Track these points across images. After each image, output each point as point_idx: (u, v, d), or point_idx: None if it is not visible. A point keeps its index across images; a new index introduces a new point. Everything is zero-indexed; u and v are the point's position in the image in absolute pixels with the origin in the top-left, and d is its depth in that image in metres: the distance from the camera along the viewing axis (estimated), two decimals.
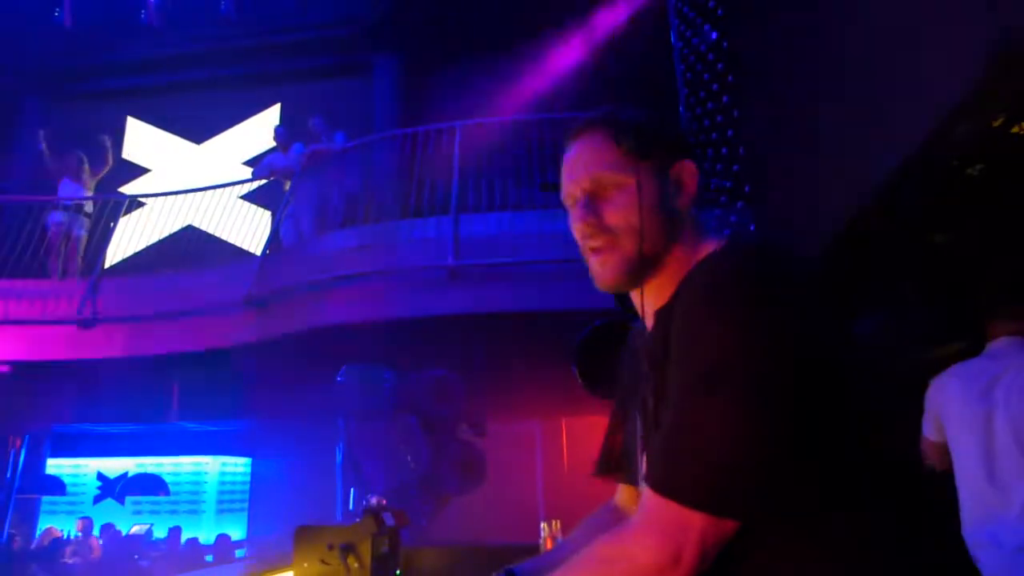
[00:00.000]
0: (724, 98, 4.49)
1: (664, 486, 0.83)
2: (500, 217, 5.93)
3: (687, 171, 1.04)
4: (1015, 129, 1.87)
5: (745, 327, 0.82)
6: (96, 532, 8.13)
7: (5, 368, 7.14)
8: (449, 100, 8.14)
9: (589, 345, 3.18)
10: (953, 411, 2.41)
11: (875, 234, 2.68)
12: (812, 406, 0.82)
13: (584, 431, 7.21)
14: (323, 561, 2.10)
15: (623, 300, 1.22)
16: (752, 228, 4.63)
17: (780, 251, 0.91)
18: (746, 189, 4.25)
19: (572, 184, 1.06)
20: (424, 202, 6.21)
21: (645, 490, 0.86)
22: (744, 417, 0.80)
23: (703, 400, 0.82)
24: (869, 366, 0.95)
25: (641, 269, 1.02)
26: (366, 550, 2.09)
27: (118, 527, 8.33)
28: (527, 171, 6.12)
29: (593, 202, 1.03)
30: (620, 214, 1.01)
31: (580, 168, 1.05)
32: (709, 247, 0.99)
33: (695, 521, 0.81)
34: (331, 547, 2.10)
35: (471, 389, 5.61)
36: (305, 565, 2.12)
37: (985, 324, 2.42)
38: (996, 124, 1.89)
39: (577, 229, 1.05)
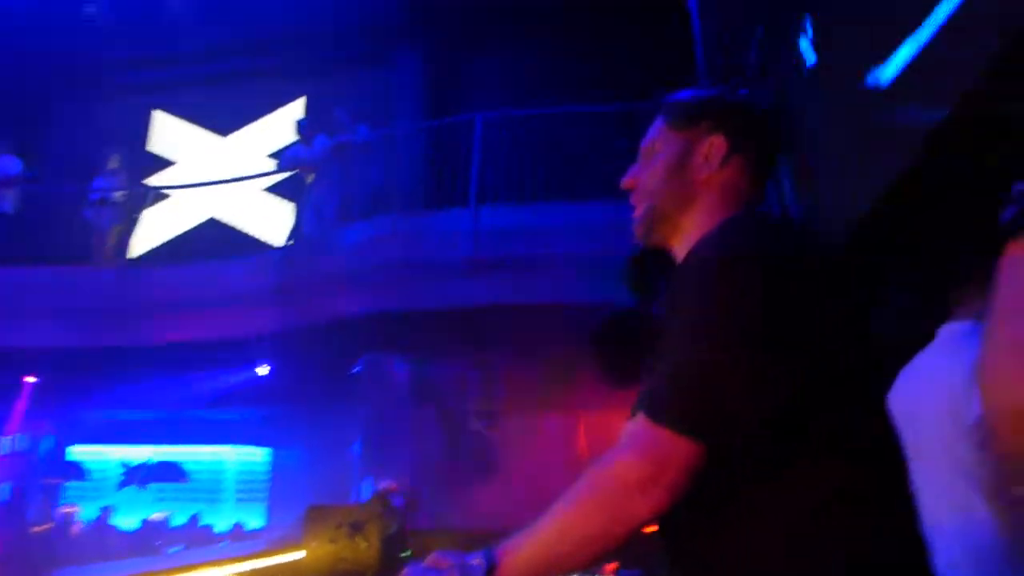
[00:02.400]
0: (743, 91, 4.45)
1: (653, 412, 0.91)
2: (521, 209, 5.93)
3: (714, 146, 1.14)
4: None
5: (731, 287, 0.94)
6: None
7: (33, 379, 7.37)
8: (472, 91, 8.15)
9: (606, 333, 3.17)
10: (892, 410, 2.24)
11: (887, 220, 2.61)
12: (787, 362, 0.91)
13: (601, 426, 7.18)
14: (332, 540, 2.11)
15: (641, 289, 1.34)
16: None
17: (774, 225, 1.06)
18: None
19: (640, 153, 1.23)
20: (445, 194, 6.23)
21: (636, 417, 0.93)
22: (721, 360, 0.90)
23: (690, 344, 0.93)
24: (885, 338, 0.99)
25: (656, 225, 1.17)
26: (374, 530, 2.09)
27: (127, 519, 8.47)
28: (547, 163, 6.11)
29: (641, 164, 1.21)
30: (646, 175, 1.19)
31: (644, 139, 1.23)
32: (724, 216, 1.08)
33: (679, 444, 0.89)
34: (340, 526, 2.11)
35: (489, 381, 5.62)
36: (315, 543, 2.13)
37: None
38: None
39: (624, 186, 1.23)
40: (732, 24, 4.83)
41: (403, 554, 2.11)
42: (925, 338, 2.15)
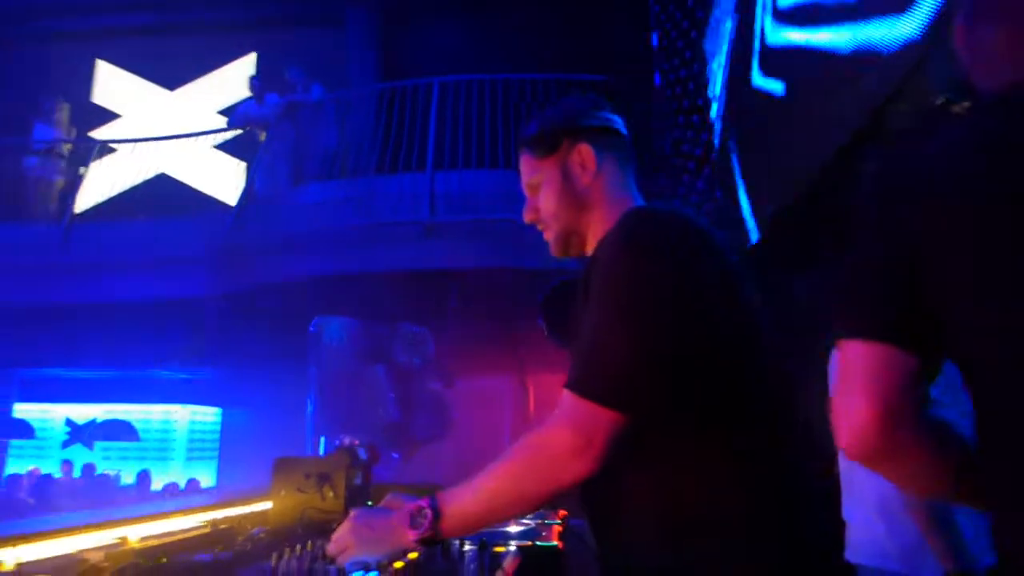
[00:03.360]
0: (695, 66, 4.60)
1: (577, 386, 1.04)
2: (476, 174, 6.01)
3: (583, 153, 1.28)
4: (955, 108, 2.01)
5: (626, 274, 1.08)
6: (77, 473, 8.26)
7: None
8: (428, 54, 8.11)
9: (554, 300, 3.34)
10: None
11: (822, 206, 2.82)
12: (686, 334, 1.05)
13: (550, 387, 7.42)
14: (300, 489, 2.24)
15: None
16: (719, 194, 4.79)
17: (663, 214, 1.17)
18: (712, 156, 4.39)
19: (525, 190, 1.37)
20: (401, 158, 6.26)
21: (563, 392, 1.06)
22: (630, 334, 1.04)
23: (604, 323, 1.06)
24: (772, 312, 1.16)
25: (568, 241, 1.31)
26: (340, 480, 2.24)
27: (96, 467, 8.47)
28: (503, 128, 6.19)
29: (531, 199, 1.34)
30: (543, 205, 1.31)
31: (522, 179, 1.36)
32: (622, 211, 1.21)
33: (602, 414, 1.01)
34: (308, 476, 2.24)
35: (442, 343, 5.75)
36: (283, 493, 2.26)
37: None
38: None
39: (527, 220, 1.35)
40: None
41: (367, 504, 2.26)
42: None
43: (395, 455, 5.10)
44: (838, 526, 2.14)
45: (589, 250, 1.30)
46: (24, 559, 1.26)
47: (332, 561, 1.31)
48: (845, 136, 2.66)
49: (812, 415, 1.16)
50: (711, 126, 4.38)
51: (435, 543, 1.12)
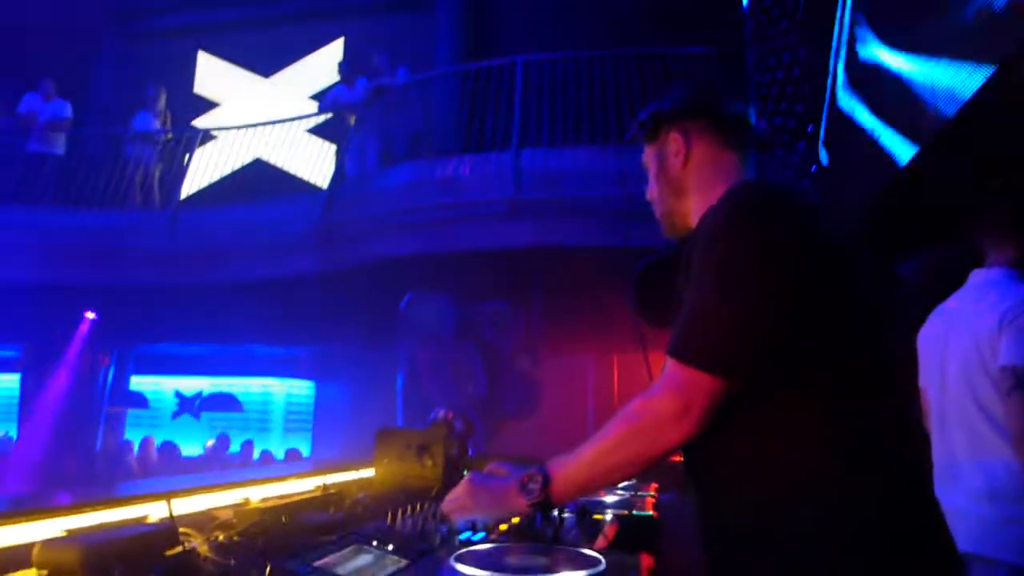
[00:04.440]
0: (792, 35, 4.44)
1: (679, 353, 1.08)
2: (561, 152, 6.01)
3: (675, 142, 1.34)
4: None
5: (729, 244, 1.10)
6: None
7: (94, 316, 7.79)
8: (514, 33, 8.14)
9: (644, 277, 3.34)
10: (921, 356, 2.26)
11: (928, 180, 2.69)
12: (787, 304, 1.06)
13: (635, 367, 7.39)
14: (400, 459, 2.35)
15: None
16: (813, 168, 4.63)
17: (769, 187, 1.18)
18: (809, 129, 4.25)
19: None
20: (486, 137, 6.32)
21: (666, 360, 1.11)
22: (732, 302, 1.07)
23: (706, 291, 1.10)
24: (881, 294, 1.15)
25: (672, 221, 1.38)
26: (439, 450, 2.33)
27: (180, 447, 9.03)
28: (588, 107, 6.15)
29: (650, 180, 1.42)
30: (649, 187, 1.41)
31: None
32: (718, 195, 1.22)
33: (704, 379, 1.05)
34: (408, 447, 2.34)
35: (528, 322, 5.82)
36: (385, 461, 2.38)
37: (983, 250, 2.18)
38: None
39: (648, 199, 1.43)
40: None
41: (463, 473, 2.34)
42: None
43: (483, 430, 5.22)
44: (934, 506, 2.08)
45: (693, 227, 1.33)
46: (175, 512, 1.39)
47: (443, 520, 1.38)
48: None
49: (907, 397, 1.15)
50: (807, 97, 4.24)
51: (546, 508, 1.17)
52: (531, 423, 6.36)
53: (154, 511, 1.46)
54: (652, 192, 1.40)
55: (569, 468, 1.15)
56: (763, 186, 1.20)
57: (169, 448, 8.37)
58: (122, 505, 1.45)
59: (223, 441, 8.87)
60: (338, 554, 1.23)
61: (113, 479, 7.44)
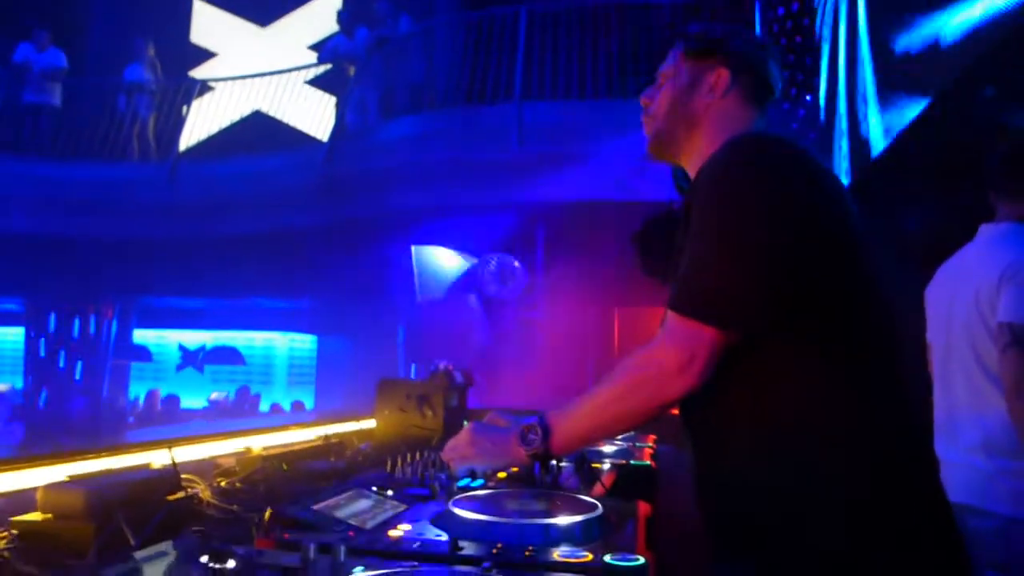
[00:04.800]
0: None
1: (679, 305, 1.07)
2: (565, 105, 5.92)
3: (721, 77, 1.27)
4: None
5: (733, 195, 1.08)
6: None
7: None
8: None
9: (647, 232, 3.32)
10: (929, 310, 2.23)
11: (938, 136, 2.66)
12: (788, 255, 1.04)
13: (635, 321, 7.41)
14: (401, 409, 2.37)
15: (682, 188, 1.43)
16: (821, 121, 4.56)
17: (769, 138, 1.15)
18: (816, 81, 4.17)
19: (658, 76, 1.35)
20: (488, 88, 6.23)
21: (668, 312, 1.09)
22: (732, 254, 1.05)
23: (706, 242, 1.08)
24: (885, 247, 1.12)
25: (664, 146, 1.31)
26: (439, 401, 2.35)
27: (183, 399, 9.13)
28: (592, 58, 6.04)
29: (657, 87, 1.33)
30: (659, 99, 1.31)
31: (664, 64, 1.35)
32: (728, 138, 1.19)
33: (705, 332, 1.04)
34: (409, 397, 2.37)
35: (531, 274, 5.81)
36: (386, 412, 2.40)
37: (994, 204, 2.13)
38: None
39: (642, 103, 1.35)
40: None
41: (463, 423, 2.37)
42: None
43: (483, 381, 5.26)
44: (933, 458, 2.09)
45: (684, 164, 1.31)
46: (177, 459, 1.40)
47: (442, 468, 1.40)
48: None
49: (908, 350, 1.14)
50: (815, 50, 4.15)
51: (545, 458, 1.17)
52: (531, 375, 6.41)
53: (157, 459, 1.48)
54: (657, 105, 1.31)
55: (569, 419, 1.15)
56: (763, 136, 1.18)
57: (174, 401, 8.47)
58: (125, 452, 1.47)
59: (242, 393, 8.96)
60: (337, 498, 1.25)
61: (118, 430, 7.55)
